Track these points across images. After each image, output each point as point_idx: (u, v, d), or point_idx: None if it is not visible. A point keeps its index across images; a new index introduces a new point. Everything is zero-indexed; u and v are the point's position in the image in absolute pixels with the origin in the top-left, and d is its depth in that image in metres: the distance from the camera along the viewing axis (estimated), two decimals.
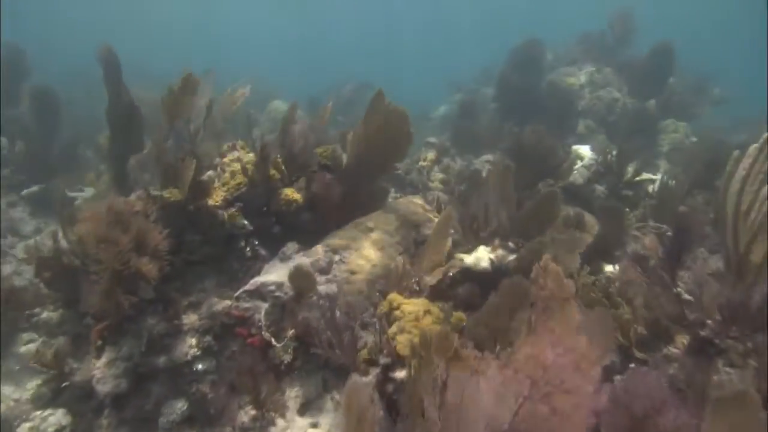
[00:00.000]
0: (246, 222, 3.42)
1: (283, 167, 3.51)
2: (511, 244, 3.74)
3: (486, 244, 3.77)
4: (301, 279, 2.91)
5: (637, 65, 7.80)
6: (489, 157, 6.42)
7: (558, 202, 3.60)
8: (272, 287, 2.94)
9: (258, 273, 3.33)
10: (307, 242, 3.48)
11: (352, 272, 3.02)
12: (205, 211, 3.26)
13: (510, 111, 8.04)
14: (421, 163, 5.93)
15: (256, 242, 3.46)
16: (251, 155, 3.94)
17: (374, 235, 3.19)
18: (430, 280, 2.90)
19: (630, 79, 7.81)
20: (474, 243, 3.82)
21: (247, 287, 2.96)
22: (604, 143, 7.35)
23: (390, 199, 4.81)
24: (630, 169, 5.26)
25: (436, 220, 3.63)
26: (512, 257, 3.59)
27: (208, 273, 3.25)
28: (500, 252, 3.66)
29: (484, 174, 5.77)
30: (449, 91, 13.77)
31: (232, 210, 3.39)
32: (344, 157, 3.69)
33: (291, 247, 3.32)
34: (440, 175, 5.82)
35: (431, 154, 6.05)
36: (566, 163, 5.33)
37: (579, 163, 5.68)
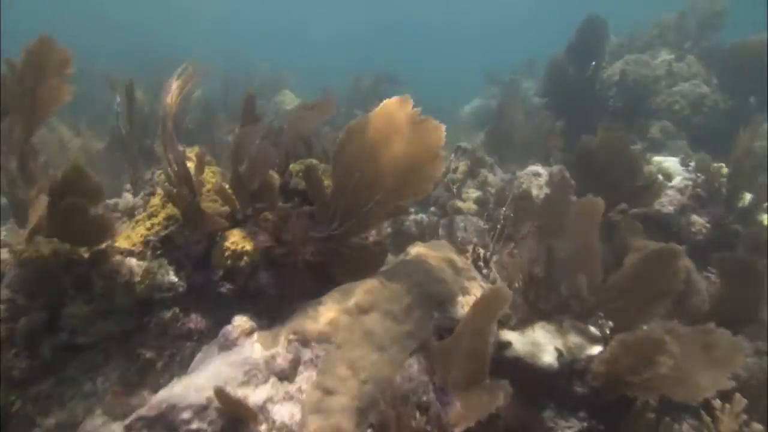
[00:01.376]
0: (176, 279, 2.20)
1: (233, 196, 2.25)
2: (593, 329, 2.37)
3: (549, 320, 2.42)
4: (234, 406, 1.66)
5: (730, 54, 6.12)
6: (538, 168, 4.98)
7: (680, 262, 2.19)
8: (187, 414, 1.69)
9: (188, 363, 2.12)
10: (268, 311, 2.23)
11: (329, 392, 1.74)
12: (102, 264, 2.05)
13: (561, 108, 6.54)
14: (451, 175, 4.57)
15: (192, 311, 2.23)
16: (213, 170, 2.73)
17: (369, 321, 1.89)
18: (459, 423, 1.58)
19: (720, 72, 6.15)
20: (527, 316, 2.48)
21: (145, 411, 1.72)
22: (686, 151, 5.77)
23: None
24: (747, 196, 3.75)
25: (474, 287, 2.28)
26: (595, 350, 2.23)
27: (104, 364, 2.04)
28: (574, 339, 2.30)
29: (535, 193, 4.37)
30: (482, 83, 12.25)
31: (154, 261, 2.17)
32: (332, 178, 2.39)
33: (238, 326, 2.06)
34: (475, 193, 4.44)
35: (463, 164, 4.67)
36: (652, 183, 3.86)
37: (666, 182, 4.20)
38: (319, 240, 2.26)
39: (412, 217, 4.39)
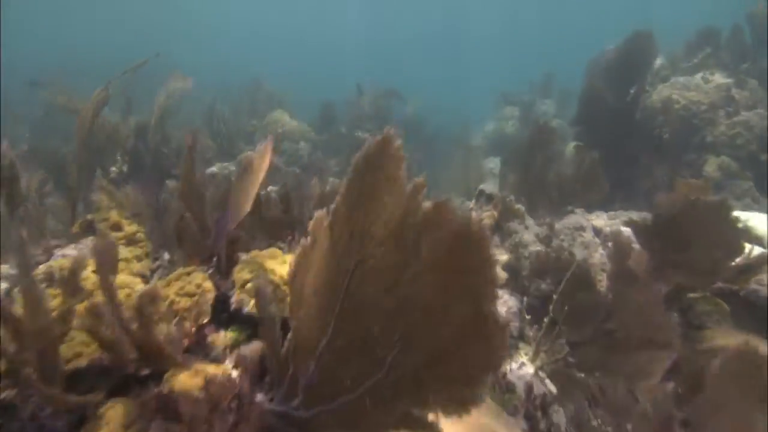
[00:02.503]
0: None
1: (114, 342, 1.25)
2: None
3: None
4: None
5: None
6: (580, 219, 3.98)
7: None
8: None
9: None
10: None
11: None
12: None
13: (596, 138, 5.57)
14: None
15: None
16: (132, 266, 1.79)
17: None
18: None
19: None
20: None
21: None
22: (753, 195, 4.77)
23: None
24: None
25: None
26: None
27: None
28: None
29: (579, 255, 3.36)
30: (493, 101, 11.32)
31: None
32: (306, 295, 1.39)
33: None
34: (503, 255, 3.44)
35: (488, 214, 3.68)
36: (750, 256, 2.84)
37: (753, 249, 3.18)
38: (272, 416, 1.26)
39: None
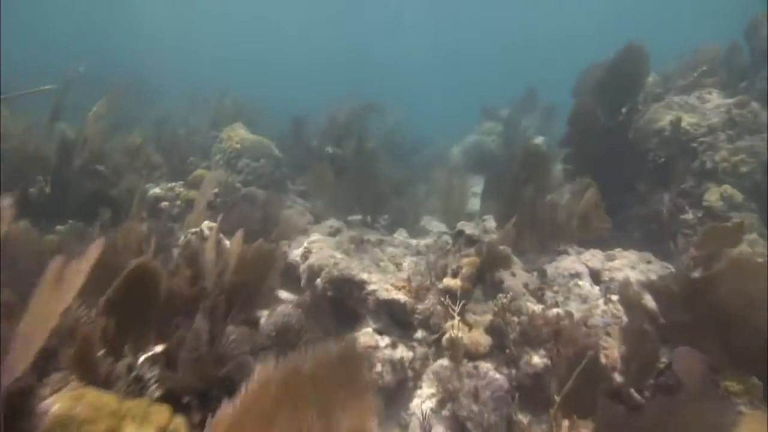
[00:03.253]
0: None
1: None
2: None
3: None
4: None
5: None
6: (575, 265, 3.37)
7: None
8: None
9: None
10: None
11: None
12: None
13: (586, 161, 5.04)
14: (446, 282, 2.90)
15: None
16: None
17: None
18: None
19: None
20: None
21: None
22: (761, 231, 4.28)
23: None
24: None
25: None
26: None
27: None
28: None
29: (576, 313, 2.73)
30: (475, 119, 10.80)
31: None
32: None
33: None
34: (488, 316, 2.77)
35: (468, 262, 3.01)
36: None
37: None
38: None
39: (386, 351, 2.69)
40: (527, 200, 3.62)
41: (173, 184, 5.68)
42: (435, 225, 7.01)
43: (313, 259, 3.21)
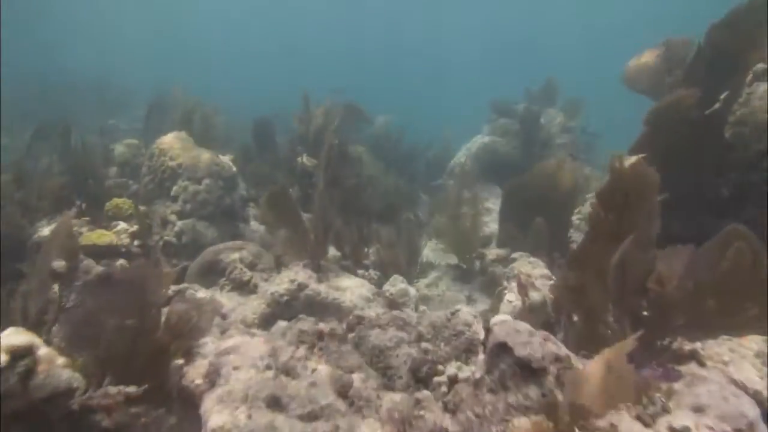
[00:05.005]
0: None
1: None
2: None
3: None
4: None
5: None
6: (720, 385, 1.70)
7: None
8: None
9: None
10: None
11: None
12: None
13: (671, 169, 3.38)
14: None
15: None
16: None
17: None
18: None
19: None
20: None
21: None
22: None
23: None
24: None
25: None
26: None
27: None
28: None
29: None
30: (485, 115, 9.08)
31: None
32: None
33: None
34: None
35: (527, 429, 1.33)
36: None
37: None
38: None
39: None
40: (617, 261, 1.96)
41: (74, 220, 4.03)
42: (440, 255, 5.38)
43: (217, 420, 1.55)
